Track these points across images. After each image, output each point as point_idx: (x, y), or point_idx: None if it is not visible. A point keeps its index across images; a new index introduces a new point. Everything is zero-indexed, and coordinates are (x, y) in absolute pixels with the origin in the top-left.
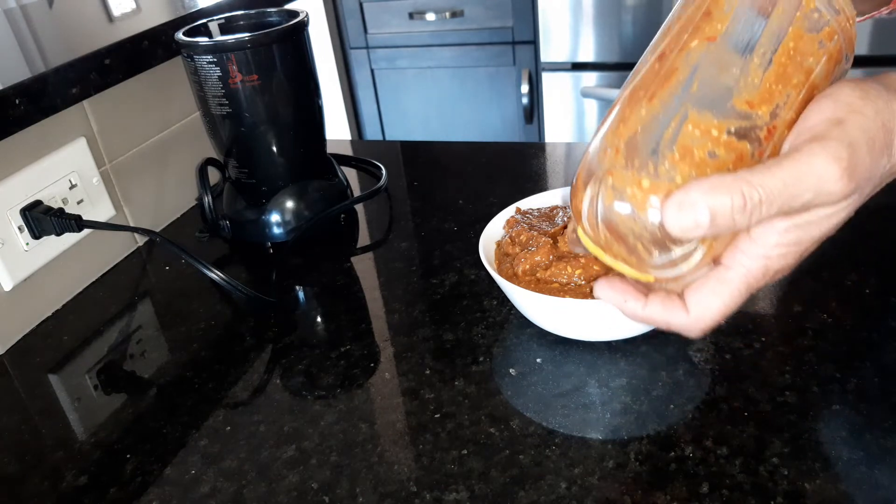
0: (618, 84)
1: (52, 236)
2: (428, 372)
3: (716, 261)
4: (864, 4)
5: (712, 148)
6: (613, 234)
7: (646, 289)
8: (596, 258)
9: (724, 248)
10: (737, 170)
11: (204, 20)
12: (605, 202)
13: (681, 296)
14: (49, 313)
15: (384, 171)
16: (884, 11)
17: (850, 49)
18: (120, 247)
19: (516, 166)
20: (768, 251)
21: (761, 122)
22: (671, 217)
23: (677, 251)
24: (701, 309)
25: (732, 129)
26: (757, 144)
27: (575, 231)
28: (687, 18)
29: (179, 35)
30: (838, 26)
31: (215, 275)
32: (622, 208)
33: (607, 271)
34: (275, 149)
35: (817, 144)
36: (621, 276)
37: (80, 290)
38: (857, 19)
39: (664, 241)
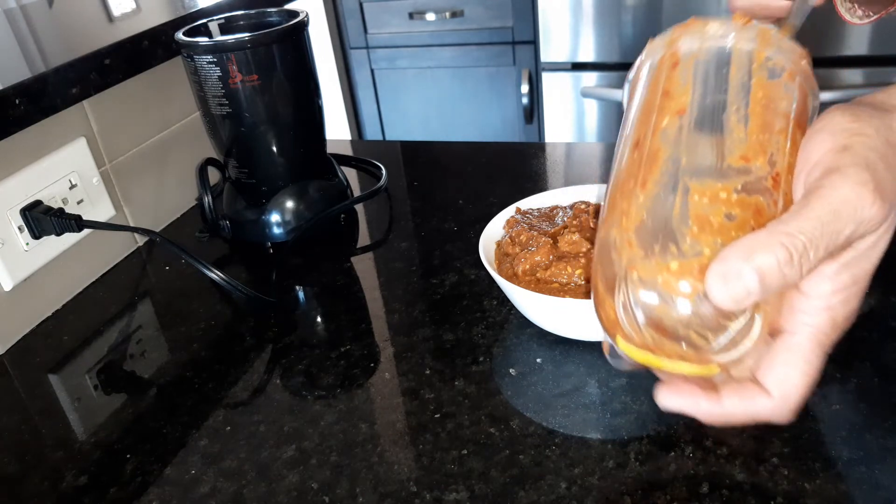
0: (618, 84)
1: (52, 236)
2: (428, 372)
3: (773, 334)
4: (874, 6)
5: (727, 210)
6: (660, 331)
7: (712, 385)
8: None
9: (777, 315)
10: (760, 224)
11: (204, 20)
12: (640, 299)
13: (754, 381)
14: (49, 313)
15: (384, 171)
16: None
17: (811, 84)
18: (120, 247)
19: (516, 166)
20: (828, 301)
21: (763, 172)
22: (718, 291)
23: (733, 327)
24: (783, 386)
25: (740, 187)
26: (768, 195)
27: (612, 345)
28: (646, 106)
29: (179, 35)
30: (795, 67)
31: (215, 275)
32: (660, 300)
33: None
34: (275, 149)
35: (837, 175)
36: (679, 377)
37: (80, 290)
38: (868, 20)
39: (716, 320)
